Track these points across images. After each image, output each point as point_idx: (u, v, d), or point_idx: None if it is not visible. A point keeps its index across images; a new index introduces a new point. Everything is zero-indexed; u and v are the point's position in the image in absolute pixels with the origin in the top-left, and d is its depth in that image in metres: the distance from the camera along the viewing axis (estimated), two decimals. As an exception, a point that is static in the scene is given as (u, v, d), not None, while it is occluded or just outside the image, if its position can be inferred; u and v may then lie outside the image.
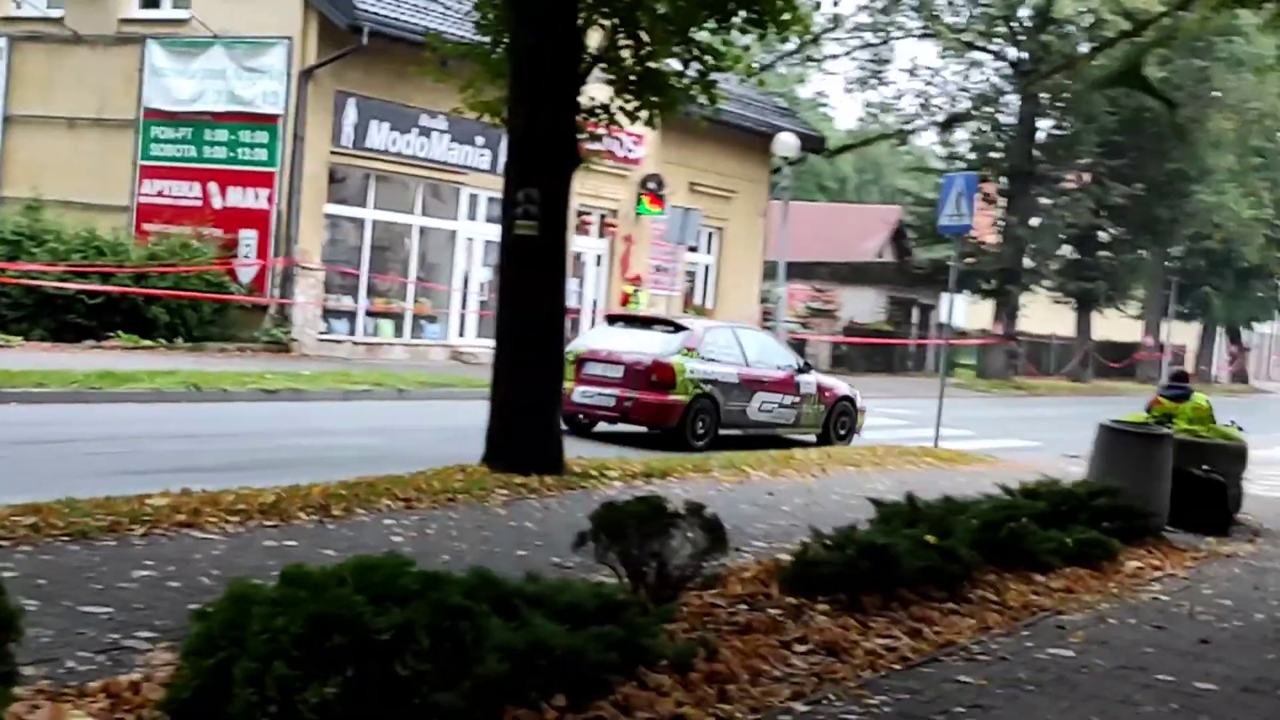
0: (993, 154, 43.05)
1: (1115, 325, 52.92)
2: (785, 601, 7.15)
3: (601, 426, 16.52)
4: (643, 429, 16.11)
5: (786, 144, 31.33)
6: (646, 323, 17.26)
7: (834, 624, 6.82)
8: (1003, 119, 42.95)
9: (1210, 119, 43.70)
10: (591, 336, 17.55)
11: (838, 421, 18.61)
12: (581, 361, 16.03)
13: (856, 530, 7.90)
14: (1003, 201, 43.40)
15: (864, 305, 43.67)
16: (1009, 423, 27.48)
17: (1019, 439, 23.12)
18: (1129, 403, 35.15)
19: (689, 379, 16.10)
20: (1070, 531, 9.58)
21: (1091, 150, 42.38)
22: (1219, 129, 43.40)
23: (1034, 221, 43.12)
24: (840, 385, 18.95)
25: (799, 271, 42.27)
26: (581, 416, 16.17)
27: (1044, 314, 52.20)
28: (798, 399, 17.78)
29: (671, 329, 16.82)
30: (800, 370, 18.16)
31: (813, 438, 18.14)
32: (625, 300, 30.63)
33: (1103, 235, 48.16)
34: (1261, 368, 70.09)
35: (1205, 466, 12.47)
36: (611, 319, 18.01)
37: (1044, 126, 43.43)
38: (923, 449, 17.53)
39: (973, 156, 42.56)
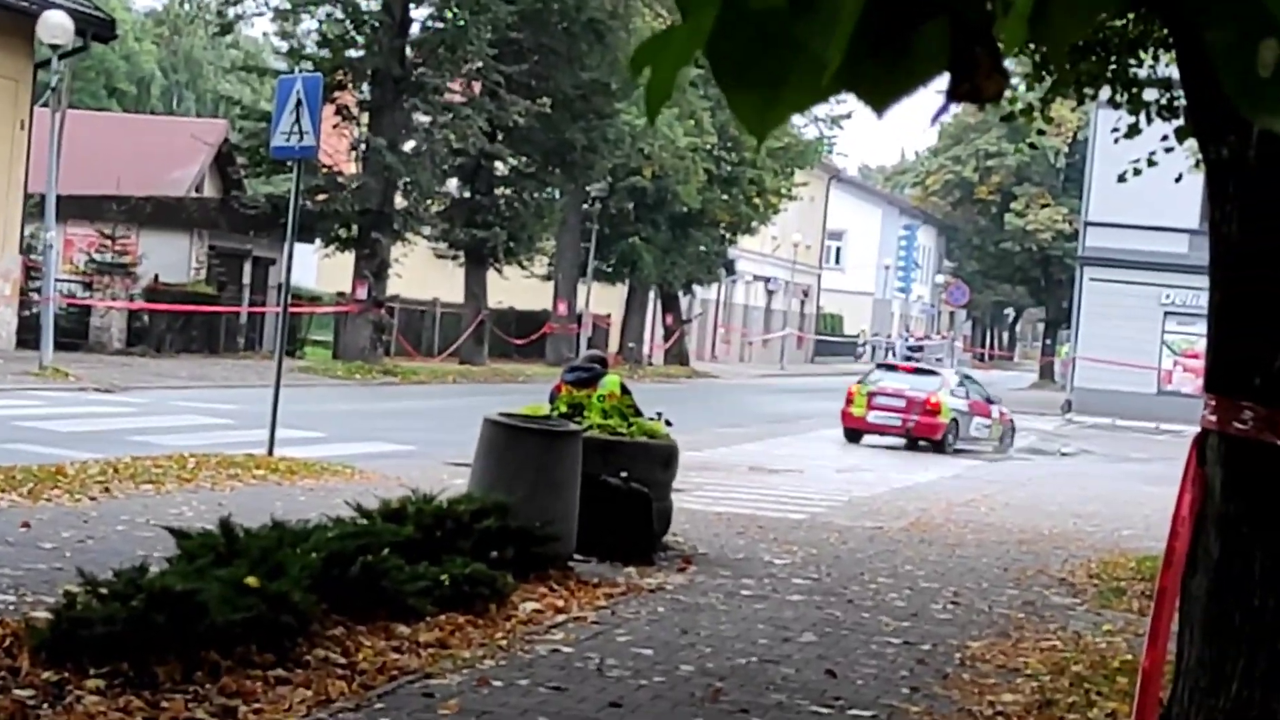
0: (351, 52, 43.69)
1: (519, 288, 55.30)
2: (40, 678, 7.00)
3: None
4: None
5: (56, 26, 30.33)
6: (911, 370, 35.95)
7: (111, 707, 6.72)
8: (364, 3, 43.70)
9: (636, 13, 46.58)
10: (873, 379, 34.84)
11: (1007, 437, 35.60)
12: (872, 395, 33.61)
13: (148, 572, 7.82)
14: (366, 118, 44.19)
15: (175, 258, 43.15)
16: (375, 419, 28.10)
17: (387, 441, 23.70)
18: (537, 391, 36.96)
19: (948, 407, 33.43)
20: (447, 565, 9.93)
21: (483, 52, 43.94)
22: (647, 28, 46.30)
23: (408, 146, 44.22)
24: (1006, 410, 36.09)
25: (81, 209, 41.20)
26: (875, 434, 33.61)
27: (423, 272, 53.75)
28: (990, 421, 34.82)
29: (932, 374, 35.68)
30: (989, 400, 35.44)
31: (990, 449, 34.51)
32: None
33: (500, 167, 50.14)
34: (704, 344, 75.63)
35: (624, 473, 13.25)
36: (881, 365, 38.64)
37: (419, 16, 44.62)
38: (252, 457, 17.61)
39: (324, 54, 43.03)
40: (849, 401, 33.88)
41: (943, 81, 1.75)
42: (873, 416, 33.38)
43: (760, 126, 1.75)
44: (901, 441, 33.40)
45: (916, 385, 33.58)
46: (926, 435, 33.02)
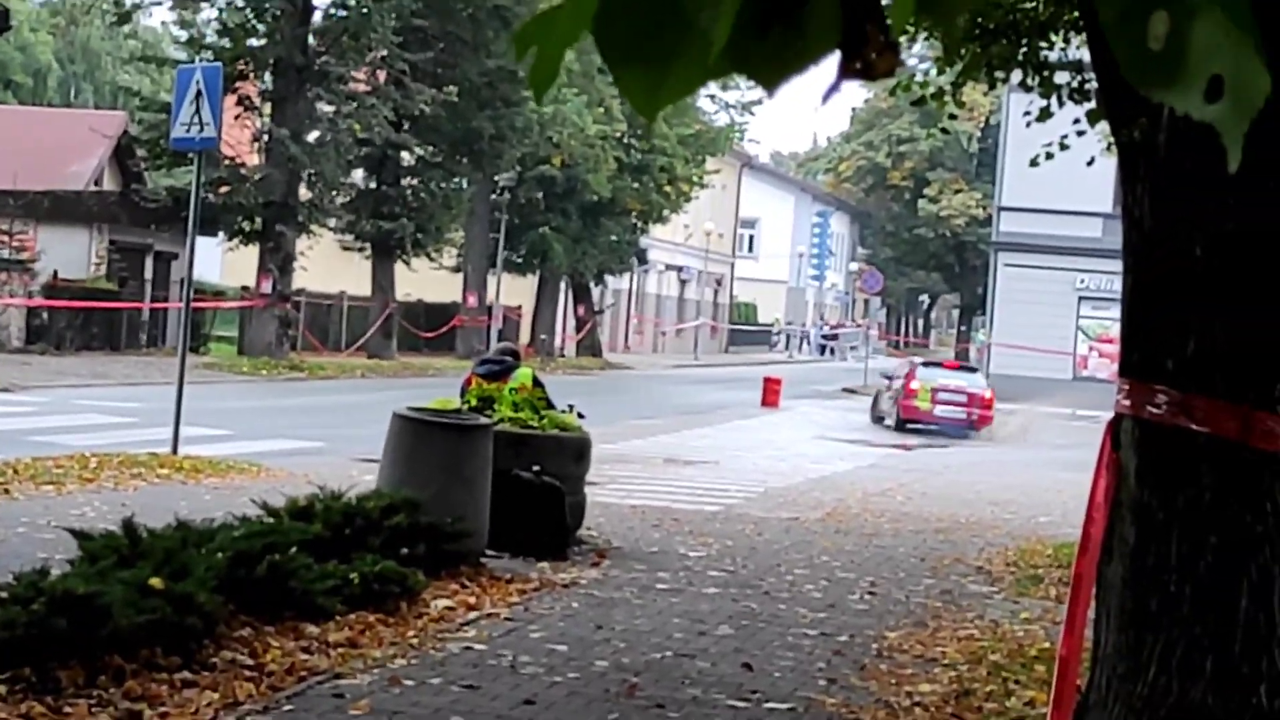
0: (252, 40, 43.44)
1: (428, 280, 55.11)
2: (-63, 688, 6.90)
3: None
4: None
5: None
6: (957, 367, 42.36)
7: (13, 714, 6.68)
8: (267, -10, 43.45)
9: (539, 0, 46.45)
10: (927, 375, 39.51)
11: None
12: (935, 391, 38.32)
13: (49, 575, 7.75)
14: (269, 109, 43.93)
15: (74, 253, 42.75)
16: (281, 416, 27.97)
17: (294, 438, 23.62)
18: (448, 384, 36.88)
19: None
20: (357, 564, 9.91)
21: (387, 40, 43.80)
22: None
23: (312, 136, 43.99)
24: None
25: (-27, 203, 40.70)
26: (935, 426, 37.98)
27: (330, 265, 53.45)
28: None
29: (973, 370, 42.52)
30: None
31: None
32: None
33: (406, 157, 50.00)
34: (617, 335, 75.69)
35: (536, 467, 13.26)
36: (926, 363, 42.39)
37: (321, 4, 44.43)
38: (156, 456, 17.51)
39: (224, 43, 42.74)
40: (911, 395, 38.44)
41: (834, 59, 1.75)
42: (939, 410, 38.39)
43: (649, 106, 1.74)
44: (819, 433, 33.59)
45: (972, 382, 39.72)
46: (984, 425, 38.63)
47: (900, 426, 38.35)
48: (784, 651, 9.85)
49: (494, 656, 9.03)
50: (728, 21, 1.65)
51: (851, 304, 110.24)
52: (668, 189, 60.84)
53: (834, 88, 1.84)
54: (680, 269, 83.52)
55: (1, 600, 7.52)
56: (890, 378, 41.40)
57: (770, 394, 43.43)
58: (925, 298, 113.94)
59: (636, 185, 58.46)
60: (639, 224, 63.00)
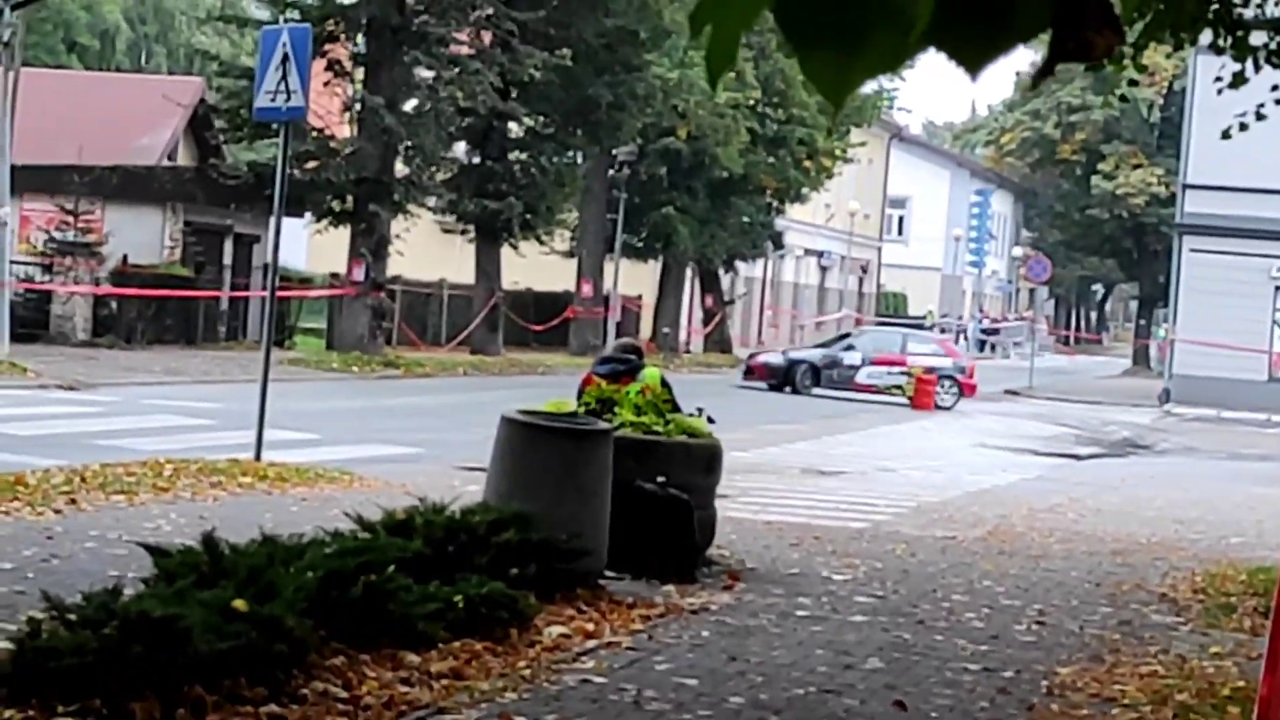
0: (343, -2, 43.77)
1: (537, 267, 55.30)
2: (3, 718, 7.00)
3: None
4: None
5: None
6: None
7: (83, 751, 6.74)
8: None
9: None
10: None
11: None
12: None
13: (122, 596, 7.83)
14: (361, 74, 44.22)
15: (145, 235, 43.30)
16: (375, 418, 28.17)
17: (389, 443, 23.77)
18: (560, 384, 37.01)
19: None
20: (461, 585, 9.94)
21: (494, -4, 44.05)
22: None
23: (409, 105, 44.24)
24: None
25: (38, 181, 41.28)
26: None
27: (428, 249, 53.79)
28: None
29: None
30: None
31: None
32: None
33: (514, 128, 50.13)
34: (749, 328, 75.62)
35: (661, 478, 13.24)
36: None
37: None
38: (237, 463, 17.65)
39: (313, 2, 43.09)
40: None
41: (1045, 38, 1.74)
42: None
43: (836, 91, 1.74)
44: (978, 441, 33.49)
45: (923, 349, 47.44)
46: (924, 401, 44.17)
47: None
48: (941, 688, 9.80)
49: (615, 691, 9.04)
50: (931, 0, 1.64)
51: (1015, 294, 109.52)
52: (807, 164, 60.68)
53: (1046, 70, 1.83)
54: (820, 254, 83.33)
55: (70, 623, 7.61)
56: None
57: (923, 396, 43.24)
58: (1099, 287, 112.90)
59: (772, 160, 58.31)
60: (774, 204, 62.84)
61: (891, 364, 45.75)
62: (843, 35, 1.73)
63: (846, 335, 50.36)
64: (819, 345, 49.76)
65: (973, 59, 1.73)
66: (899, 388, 45.33)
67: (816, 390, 45.47)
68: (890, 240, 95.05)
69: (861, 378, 45.74)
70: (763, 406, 38.63)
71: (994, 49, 1.72)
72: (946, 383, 45.63)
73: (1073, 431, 39.70)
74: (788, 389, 45.32)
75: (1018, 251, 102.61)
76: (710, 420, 14.38)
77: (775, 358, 48.07)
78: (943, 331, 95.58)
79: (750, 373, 47.13)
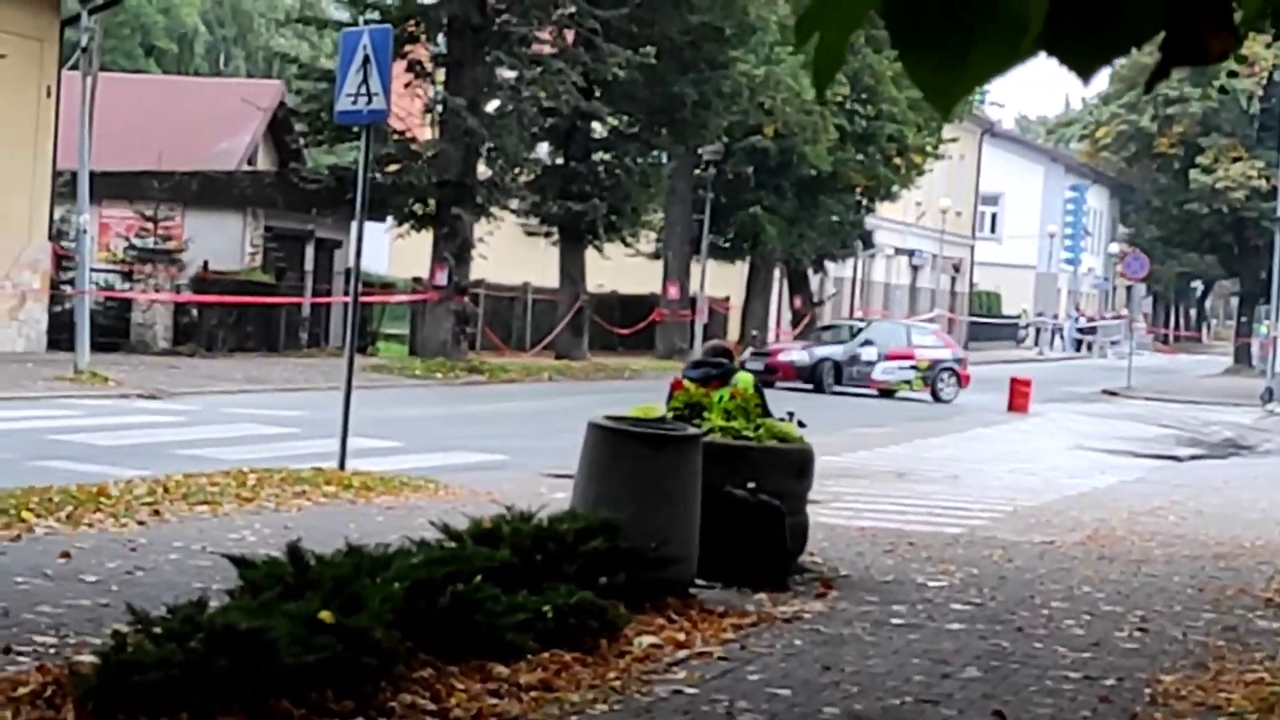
0: (424, -2, 43.93)
1: (623, 269, 55.40)
2: (87, 733, 7.05)
3: None
4: None
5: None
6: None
7: (170, 765, 6.79)
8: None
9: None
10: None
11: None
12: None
13: (207, 608, 7.88)
14: (442, 75, 44.36)
15: (226, 241, 43.57)
16: (460, 425, 28.27)
17: (474, 451, 23.85)
18: (647, 388, 37.03)
19: None
20: (550, 594, 9.96)
21: (577, -7, 44.11)
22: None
23: (491, 106, 44.34)
24: None
25: (117, 187, 41.66)
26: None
27: (512, 253, 53.86)
28: None
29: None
30: None
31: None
32: None
33: (598, 128, 50.19)
34: (838, 330, 75.30)
35: (751, 484, 13.23)
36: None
37: (502, -45, 44.78)
38: (321, 472, 17.74)
39: (392, 2, 43.26)
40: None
41: (1159, 41, 1.73)
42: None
43: (945, 96, 1.74)
44: (1075, 443, 33.35)
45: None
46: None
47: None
48: (1041, 698, 9.75)
49: (707, 702, 9.04)
50: (1044, 2, 1.63)
51: (1111, 292, 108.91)
52: (897, 161, 60.52)
53: (1161, 74, 1.82)
54: (912, 253, 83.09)
55: (155, 636, 7.65)
56: None
57: (1018, 397, 43.02)
58: (1198, 284, 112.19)
59: (861, 157, 58.18)
60: (864, 202, 62.73)
61: (902, 358, 46.19)
62: (952, 41, 1.72)
63: (863, 329, 49.34)
64: (839, 340, 48.03)
65: (1085, 63, 1.73)
66: (908, 383, 45.82)
67: (837, 388, 45.33)
68: (983, 238, 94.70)
69: (877, 374, 46.01)
70: (852, 409, 38.48)
71: (1106, 53, 1.72)
72: (946, 375, 46.24)
73: (1173, 432, 39.45)
74: (812, 387, 44.81)
75: (1114, 248, 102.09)
76: (801, 425, 14.36)
77: (800, 354, 46.93)
78: (1038, 332, 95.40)
79: (770, 371, 44.49)
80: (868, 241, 68.32)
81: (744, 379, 14.40)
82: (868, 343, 46.79)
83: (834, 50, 1.80)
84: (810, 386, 44.47)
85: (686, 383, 14.33)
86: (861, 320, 54.74)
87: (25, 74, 35.02)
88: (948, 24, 1.73)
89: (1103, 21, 1.71)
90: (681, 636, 10.71)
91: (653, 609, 11.13)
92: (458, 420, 29.43)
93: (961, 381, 46.47)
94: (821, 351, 46.35)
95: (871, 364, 46.01)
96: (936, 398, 45.65)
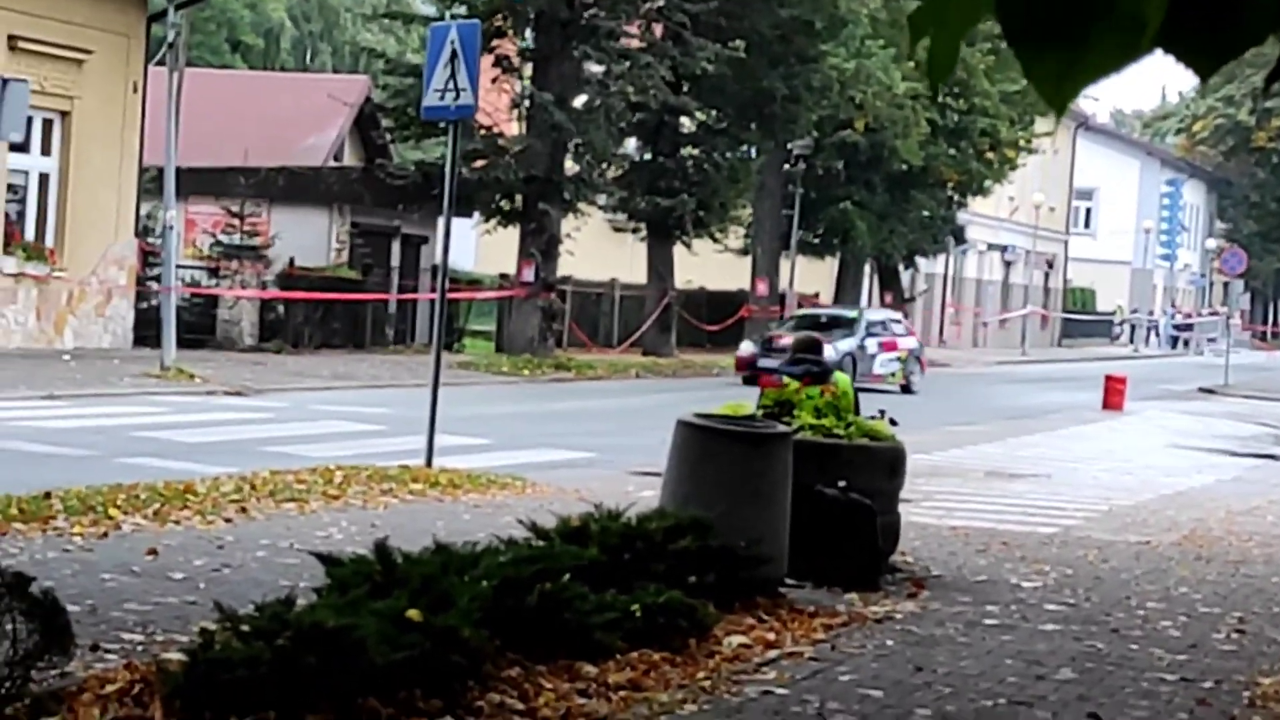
0: (512, -9, 44.01)
1: (711, 265, 55.35)
2: (175, 731, 7.10)
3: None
4: None
5: (174, -28, 31.19)
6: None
7: (258, 763, 6.83)
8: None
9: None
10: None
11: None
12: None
13: (295, 606, 7.92)
14: (529, 70, 44.44)
15: (312, 238, 43.78)
16: (547, 422, 28.30)
17: (562, 448, 23.87)
18: (736, 385, 37.05)
19: None
20: (639, 594, 9.96)
21: (665, -14, 44.14)
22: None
23: (579, 101, 44.40)
24: None
25: (203, 184, 41.95)
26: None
27: (599, 249, 53.98)
28: None
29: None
30: None
31: None
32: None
33: (686, 123, 50.17)
34: (930, 326, 75.14)
35: (842, 482, 13.21)
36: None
37: (590, -52, 44.84)
38: (408, 469, 17.81)
39: (478, -5, 43.40)
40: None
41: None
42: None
43: (1058, 94, 1.74)
44: (1171, 441, 33.14)
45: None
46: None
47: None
48: (1137, 700, 9.70)
49: (798, 702, 9.03)
50: (1164, 0, 1.63)
51: (1209, 288, 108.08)
52: (989, 156, 60.26)
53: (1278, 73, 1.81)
54: (1004, 249, 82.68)
55: (243, 634, 7.68)
56: None
57: (1113, 395, 42.75)
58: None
59: (953, 152, 57.97)
60: (956, 197, 62.52)
61: (890, 349, 44.31)
62: (1067, 38, 1.72)
63: (855, 318, 45.84)
64: (845, 336, 43.51)
65: (1204, 61, 1.72)
66: (894, 375, 43.86)
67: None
68: (1077, 233, 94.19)
69: (877, 367, 43.72)
70: (942, 406, 38.32)
71: (1225, 52, 1.71)
72: (915, 365, 44.90)
73: (1272, 431, 39.11)
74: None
75: (1211, 243, 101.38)
76: (893, 423, 14.33)
77: (826, 349, 44.54)
78: (1133, 328, 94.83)
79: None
80: (959, 237, 68.08)
81: (842, 380, 14.41)
82: (871, 334, 44.41)
83: (948, 48, 1.81)
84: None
85: (787, 379, 14.34)
86: (833, 309, 50.68)
87: (112, 70, 35.29)
88: (1064, 20, 1.73)
89: (1222, 20, 1.70)
90: (771, 636, 10.71)
91: (742, 608, 11.12)
92: (544, 417, 29.47)
93: (921, 366, 45.44)
94: (844, 345, 42.70)
95: (874, 357, 43.72)
96: (909, 389, 43.72)
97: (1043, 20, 1.74)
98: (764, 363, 40.02)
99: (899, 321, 47.43)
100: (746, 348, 43.40)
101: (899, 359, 44.08)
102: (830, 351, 41.45)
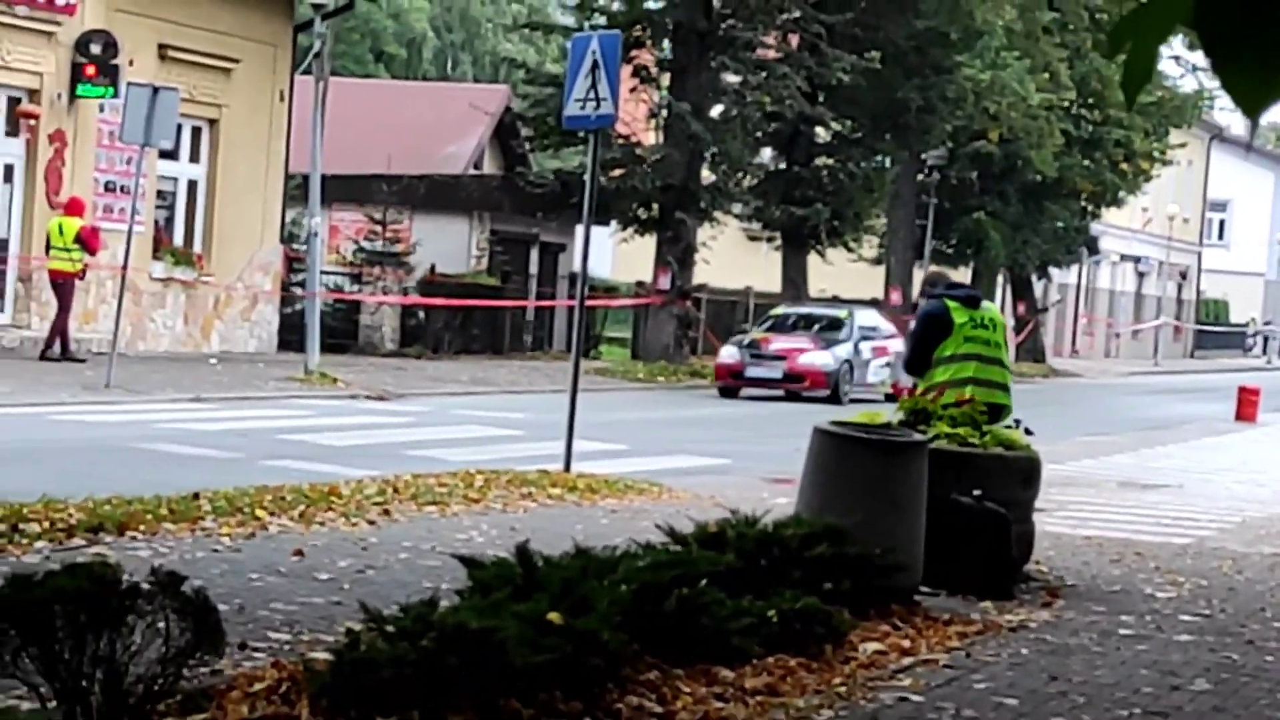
0: (650, 3, 44.11)
1: (845, 274, 55.21)
2: (322, 729, 7.16)
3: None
4: None
5: (320, -18, 31.47)
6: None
7: (402, 761, 6.88)
8: (665, -53, 44.11)
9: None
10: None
11: None
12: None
13: (438, 607, 7.96)
14: (666, 80, 44.54)
15: (453, 245, 44.08)
16: (683, 428, 28.35)
17: (697, 454, 23.87)
18: (872, 394, 36.89)
19: None
20: (775, 599, 9.96)
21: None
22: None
23: (715, 111, 44.46)
24: None
25: (347, 191, 42.32)
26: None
27: (734, 257, 54.00)
28: None
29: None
30: None
31: None
32: (49, 244, 29.95)
33: (821, 133, 50.12)
34: (1063, 337, 74.64)
35: (977, 491, 13.15)
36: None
37: (728, -40, 44.87)
38: (547, 474, 17.86)
39: (618, 7, 43.53)
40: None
41: None
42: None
43: (1254, 103, 1.73)
44: None
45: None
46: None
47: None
48: (1273, 712, 9.60)
49: (933, 709, 8.99)
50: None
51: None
52: (1124, 167, 59.81)
53: None
54: (1138, 260, 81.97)
55: (388, 634, 7.74)
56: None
57: (1246, 406, 42.28)
58: None
59: (1087, 163, 57.61)
60: (1089, 208, 62.09)
61: (882, 355, 38.79)
62: (1266, 46, 1.71)
63: (843, 317, 40.25)
64: (839, 341, 38.53)
65: None
66: (882, 383, 38.06)
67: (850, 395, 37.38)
68: (1211, 245, 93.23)
69: (870, 375, 38.51)
70: (1075, 416, 38.00)
71: None
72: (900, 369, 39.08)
73: (1407, 444, 38.54)
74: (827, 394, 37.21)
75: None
76: (1029, 432, 14.25)
77: (823, 356, 37.82)
78: (1266, 340, 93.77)
79: (795, 379, 37.39)
80: (1093, 248, 67.56)
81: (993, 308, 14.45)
82: (866, 336, 39.09)
83: (1145, 60, 1.80)
84: (826, 394, 36.97)
85: (950, 305, 14.38)
86: (818, 307, 44.21)
87: (260, 79, 35.68)
88: (1262, 31, 1.72)
89: None
90: (906, 643, 10.67)
91: (877, 615, 11.09)
92: (680, 424, 29.51)
93: None
94: (841, 352, 37.94)
95: (867, 363, 38.56)
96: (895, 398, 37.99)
97: (1240, 32, 1.73)
98: (753, 372, 37.18)
99: (882, 318, 42.16)
100: (729, 354, 38.43)
101: (888, 364, 38.02)
102: (826, 358, 37.32)
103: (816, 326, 39.47)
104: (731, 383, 37.48)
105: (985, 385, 14.43)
